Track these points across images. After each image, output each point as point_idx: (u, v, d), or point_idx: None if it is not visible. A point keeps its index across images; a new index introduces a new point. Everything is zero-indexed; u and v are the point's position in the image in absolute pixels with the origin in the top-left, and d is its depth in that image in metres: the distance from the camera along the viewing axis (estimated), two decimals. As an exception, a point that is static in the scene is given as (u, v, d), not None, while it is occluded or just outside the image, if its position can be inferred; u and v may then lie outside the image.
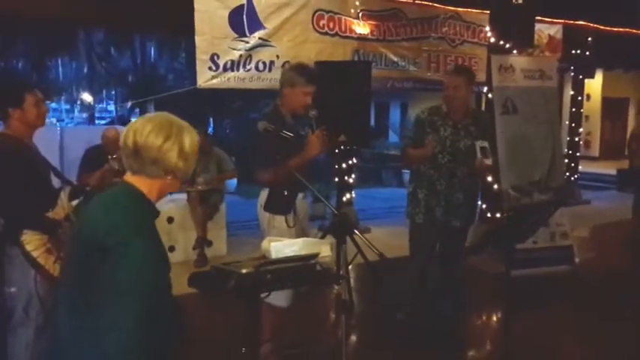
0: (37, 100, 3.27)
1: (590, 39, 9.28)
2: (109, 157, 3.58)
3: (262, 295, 2.76)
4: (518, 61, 6.29)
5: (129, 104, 15.21)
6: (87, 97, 14.87)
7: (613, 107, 16.99)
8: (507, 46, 6.40)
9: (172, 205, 6.81)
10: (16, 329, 3.19)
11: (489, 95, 6.33)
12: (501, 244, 3.38)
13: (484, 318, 5.45)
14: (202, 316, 4.85)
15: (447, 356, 4.29)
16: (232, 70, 6.91)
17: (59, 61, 14.54)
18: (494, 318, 5.30)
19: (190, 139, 1.91)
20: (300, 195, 3.61)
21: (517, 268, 5.67)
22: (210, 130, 15.29)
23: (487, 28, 7.12)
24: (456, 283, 4.54)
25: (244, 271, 2.59)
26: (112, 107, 15.43)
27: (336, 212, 2.96)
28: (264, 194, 3.64)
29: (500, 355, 4.13)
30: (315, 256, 2.87)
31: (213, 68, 6.80)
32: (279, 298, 3.22)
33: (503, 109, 6.10)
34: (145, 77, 15.08)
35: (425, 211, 4.32)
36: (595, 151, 16.19)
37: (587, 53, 9.27)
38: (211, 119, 16.58)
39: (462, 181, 4.26)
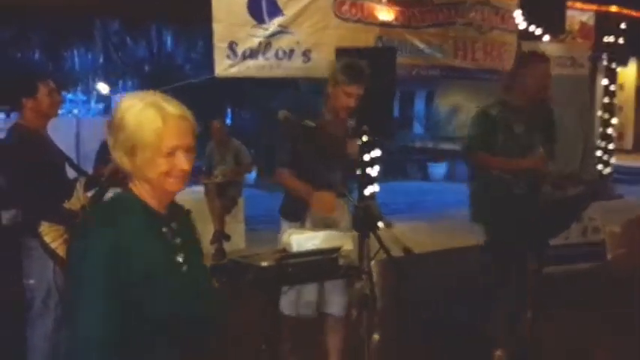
0: (50, 89, 3.27)
1: (623, 25, 8.90)
2: None
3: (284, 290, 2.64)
4: (548, 47, 6.01)
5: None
6: (103, 87, 14.77)
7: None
8: (538, 32, 6.08)
9: (189, 197, 6.63)
10: (35, 321, 3.21)
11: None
12: (535, 238, 3.16)
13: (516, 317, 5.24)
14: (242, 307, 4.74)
15: (471, 355, 4.11)
16: (251, 59, 6.68)
17: (75, 52, 14.43)
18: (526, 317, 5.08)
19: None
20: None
21: (548, 265, 5.47)
22: (228, 120, 15.11)
23: (518, 14, 6.82)
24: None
25: (264, 264, 2.49)
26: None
27: (357, 205, 2.76)
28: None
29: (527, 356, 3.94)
30: (337, 249, 2.69)
31: (232, 56, 6.58)
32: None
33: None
34: (162, 67, 14.95)
35: None
36: (628, 143, 15.60)
37: (621, 40, 8.90)
38: (229, 109, 16.39)
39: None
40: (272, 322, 2.63)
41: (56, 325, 3.16)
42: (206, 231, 6.48)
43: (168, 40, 15.21)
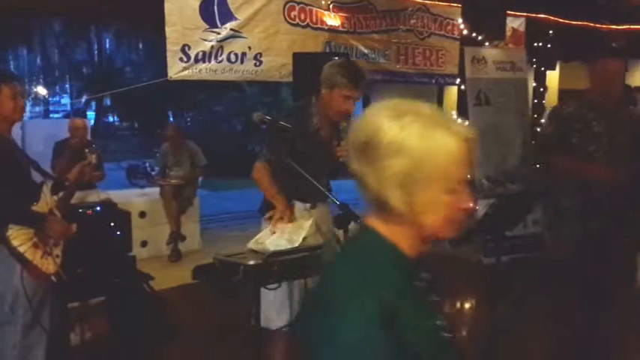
0: (15, 92, 3.14)
1: (551, 32, 9.50)
2: (86, 150, 3.49)
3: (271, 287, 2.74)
4: (489, 53, 6.41)
5: (84, 98, 14.78)
6: (41, 90, 14.36)
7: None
8: (479, 38, 6.49)
9: (144, 199, 6.68)
10: (2, 327, 3.09)
11: (462, 87, 6.41)
12: (492, 231, 3.41)
13: (468, 306, 5.58)
14: (207, 308, 4.80)
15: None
16: (204, 62, 6.77)
17: (11, 54, 13.97)
18: (478, 306, 5.41)
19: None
20: (300, 205, 3.20)
21: (490, 256, 5.85)
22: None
23: (459, 21, 7.22)
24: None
25: (252, 262, 2.56)
26: (66, 101, 14.93)
27: (338, 203, 2.91)
28: None
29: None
30: (321, 247, 2.87)
31: (185, 59, 6.66)
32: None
33: (476, 101, 6.23)
34: (102, 70, 14.70)
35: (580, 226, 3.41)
36: (552, 141, 16.65)
37: (549, 46, 9.50)
38: (170, 113, 16.27)
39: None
40: (257, 320, 2.69)
41: (24, 332, 3.08)
42: (161, 232, 6.55)
43: (108, 43, 14.99)
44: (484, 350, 2.94)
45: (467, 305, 5.56)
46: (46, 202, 3.20)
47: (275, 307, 3.09)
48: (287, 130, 3.00)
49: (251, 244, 2.77)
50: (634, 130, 3.39)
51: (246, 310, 2.61)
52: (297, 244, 2.77)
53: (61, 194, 3.37)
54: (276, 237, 2.83)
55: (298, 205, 3.22)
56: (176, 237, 6.42)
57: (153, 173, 9.76)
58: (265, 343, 3.27)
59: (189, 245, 6.75)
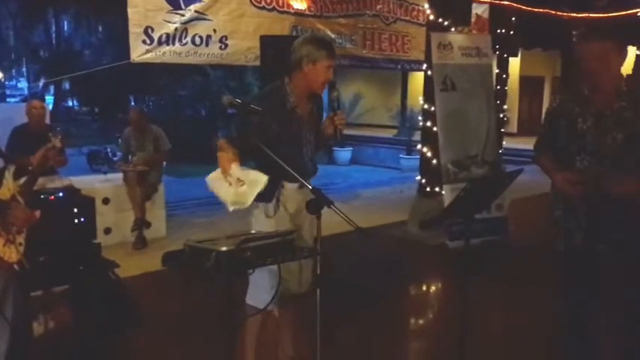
0: None
1: (513, 19, 9.62)
2: (50, 134, 3.37)
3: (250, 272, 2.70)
4: (456, 38, 6.44)
5: (42, 82, 14.36)
6: (-3, 73, 13.92)
7: (530, 86, 17.82)
8: (445, 23, 6.51)
9: (108, 185, 6.54)
10: None
11: (429, 72, 6.44)
12: (461, 215, 3.42)
13: (433, 288, 5.65)
14: (173, 296, 4.76)
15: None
16: (167, 44, 6.65)
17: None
18: (444, 289, 5.48)
19: None
20: (290, 185, 3.21)
21: (456, 240, 5.93)
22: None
23: (426, 6, 7.23)
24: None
25: (224, 248, 2.52)
26: (23, 85, 14.48)
27: (311, 187, 2.89)
28: None
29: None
30: (293, 232, 2.85)
31: (148, 42, 6.52)
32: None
33: (442, 86, 6.26)
34: (60, 53, 14.27)
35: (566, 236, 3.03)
36: (513, 127, 16.92)
37: (512, 32, 9.62)
38: (132, 97, 15.92)
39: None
40: (229, 307, 2.66)
41: None
42: (125, 219, 6.42)
43: (66, 26, 14.55)
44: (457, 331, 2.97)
45: (435, 288, 5.64)
46: (8, 187, 3.10)
47: (264, 288, 3.08)
48: (257, 113, 2.97)
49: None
50: (628, 130, 2.77)
51: (216, 297, 2.57)
52: (249, 200, 2.86)
53: (23, 180, 3.26)
54: (232, 188, 2.87)
55: (288, 186, 3.23)
56: (141, 224, 6.30)
57: (114, 159, 9.58)
58: (238, 329, 3.29)
59: (155, 232, 6.63)
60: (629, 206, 2.80)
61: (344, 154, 13.67)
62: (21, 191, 3.20)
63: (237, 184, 2.88)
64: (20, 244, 3.11)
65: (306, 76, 3.15)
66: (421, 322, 4.84)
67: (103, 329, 3.95)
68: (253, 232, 3.20)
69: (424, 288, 5.68)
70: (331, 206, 2.74)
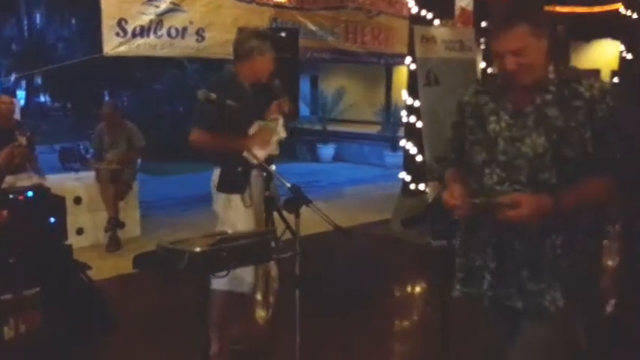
0: None
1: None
2: (17, 132, 3.22)
3: (222, 274, 2.57)
4: (439, 32, 6.30)
5: (13, 77, 13.98)
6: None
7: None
8: (429, 16, 6.37)
9: (79, 184, 6.29)
10: None
11: (412, 67, 6.29)
12: (443, 214, 3.31)
13: (416, 288, 5.53)
14: (148, 298, 4.60)
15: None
16: (142, 37, 6.43)
17: None
18: (427, 288, 5.36)
19: None
20: (254, 172, 3.36)
21: (438, 239, 5.80)
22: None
23: (408, -1, 7.08)
24: None
25: (198, 249, 2.41)
26: (-7, 79, 14.11)
27: (289, 186, 2.78)
28: (216, 174, 3.41)
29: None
30: (271, 232, 2.72)
31: (121, 34, 6.30)
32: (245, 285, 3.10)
33: (426, 81, 6.11)
34: (32, 46, 13.88)
35: (464, 277, 2.29)
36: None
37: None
38: (106, 92, 15.56)
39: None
40: (203, 306, 2.56)
41: None
42: (98, 219, 6.18)
43: (38, 18, 14.15)
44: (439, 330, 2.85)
45: (419, 288, 5.52)
46: None
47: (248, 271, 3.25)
48: (232, 108, 3.10)
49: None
50: (551, 133, 2.06)
51: (190, 298, 2.45)
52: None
53: None
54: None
55: (253, 173, 3.38)
56: (114, 224, 6.04)
57: (88, 156, 9.29)
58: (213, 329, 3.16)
59: (129, 233, 6.38)
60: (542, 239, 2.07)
61: (327, 150, 13.51)
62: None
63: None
64: (-15, 246, 2.92)
65: (254, 66, 3.39)
66: (403, 322, 4.73)
67: (75, 333, 3.79)
68: (230, 231, 3.16)
69: (407, 288, 5.55)
70: (310, 205, 2.69)
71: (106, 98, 14.23)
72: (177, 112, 12.29)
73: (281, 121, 3.42)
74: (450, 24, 6.77)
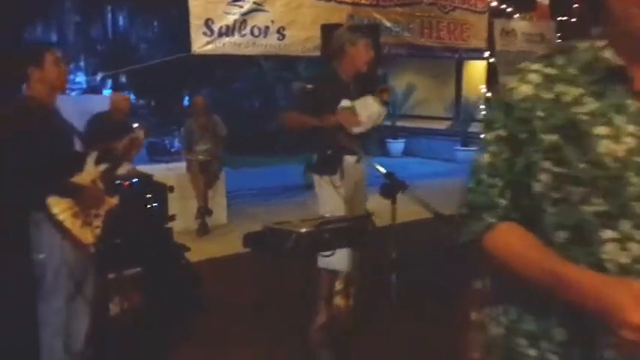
0: (57, 58, 3.10)
1: (576, 5, 9.35)
2: (135, 125, 3.50)
3: (326, 254, 2.74)
4: (519, 25, 6.32)
5: (99, 75, 14.69)
6: (56, 67, 14.26)
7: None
8: (509, 10, 6.38)
9: (171, 174, 6.67)
10: (46, 297, 3.10)
11: (491, 60, 6.32)
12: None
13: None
14: (238, 281, 4.88)
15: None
16: (227, 36, 6.77)
17: (26, 32, 13.85)
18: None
19: None
20: (351, 159, 3.52)
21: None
22: (186, 103, 14.85)
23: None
24: None
25: (304, 230, 2.56)
26: (80, 78, 14.86)
27: (385, 172, 2.91)
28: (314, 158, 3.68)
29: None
30: (370, 215, 2.88)
31: (208, 33, 6.65)
32: (340, 263, 3.21)
33: (506, 74, 6.13)
34: (116, 46, 14.59)
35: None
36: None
37: (574, 20, 9.36)
38: (187, 91, 16.06)
39: None
40: (308, 283, 2.72)
41: (67, 301, 3.09)
42: (188, 206, 6.54)
43: (122, 20, 14.89)
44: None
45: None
46: (89, 172, 3.18)
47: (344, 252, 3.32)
48: (323, 98, 3.37)
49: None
50: None
51: (280, 282, 2.63)
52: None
53: (104, 166, 3.34)
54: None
55: (348, 159, 3.54)
56: (204, 211, 6.42)
57: (172, 150, 9.78)
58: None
59: (216, 220, 6.74)
60: None
61: (397, 145, 13.57)
62: (102, 176, 3.28)
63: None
64: (97, 227, 3.18)
65: (349, 58, 3.51)
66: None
67: (174, 312, 4.03)
68: (321, 211, 3.44)
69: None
70: (406, 191, 2.78)
71: (186, 98, 14.78)
72: (255, 109, 12.65)
73: (376, 100, 3.55)
74: (529, 18, 6.76)
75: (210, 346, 3.85)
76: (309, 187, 7.77)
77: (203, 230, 6.35)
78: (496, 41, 6.09)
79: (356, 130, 3.40)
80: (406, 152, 13.53)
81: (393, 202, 2.93)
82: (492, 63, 6.26)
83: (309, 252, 2.69)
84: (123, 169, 5.53)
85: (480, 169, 1.24)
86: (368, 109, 3.50)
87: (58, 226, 2.97)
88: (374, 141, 8.03)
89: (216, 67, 12.48)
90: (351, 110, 3.43)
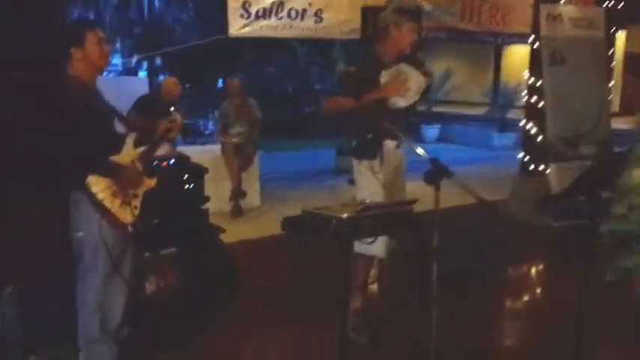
0: (99, 38, 3.08)
1: (622, -9, 9.02)
2: (173, 108, 3.47)
3: (368, 241, 2.68)
4: (566, 9, 6.09)
5: (135, 58, 14.79)
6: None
7: (636, 62, 16.52)
8: (554, -6, 6.17)
9: (206, 156, 6.66)
10: (84, 275, 3.10)
11: (535, 46, 6.13)
12: (587, 192, 3.22)
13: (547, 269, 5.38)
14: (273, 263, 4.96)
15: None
16: (264, 18, 6.71)
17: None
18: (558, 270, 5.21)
19: None
20: (391, 143, 3.51)
21: (560, 220, 5.64)
22: (219, 86, 14.85)
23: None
24: None
25: (345, 215, 2.49)
26: (117, 60, 14.97)
27: (429, 158, 2.82)
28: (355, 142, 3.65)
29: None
30: (412, 202, 2.80)
31: (245, 16, 6.60)
32: (377, 249, 3.15)
33: (551, 60, 5.94)
34: (152, 29, 14.65)
35: None
36: (616, 106, 15.80)
37: (619, 6, 9.02)
38: (219, 75, 16.07)
39: None
40: (346, 274, 2.63)
41: (105, 280, 3.11)
42: (222, 188, 6.54)
43: (157, 2, 14.94)
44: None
45: (551, 269, 5.37)
46: (128, 153, 3.17)
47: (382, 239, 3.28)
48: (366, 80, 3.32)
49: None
50: None
51: (313, 266, 2.58)
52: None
53: (143, 147, 3.32)
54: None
55: (388, 144, 3.52)
56: (237, 193, 6.41)
57: (206, 132, 9.80)
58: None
59: (250, 202, 6.74)
60: None
61: (431, 131, 13.40)
62: (140, 158, 3.27)
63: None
64: (135, 207, 3.18)
65: (392, 40, 3.46)
66: (536, 303, 4.66)
67: (208, 293, 4.03)
68: (359, 195, 3.41)
69: (539, 269, 5.44)
70: (452, 178, 2.71)
71: (220, 80, 14.81)
72: (288, 93, 12.60)
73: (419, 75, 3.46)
74: (574, 2, 6.52)
75: (243, 326, 3.87)
76: (341, 171, 7.78)
77: (237, 212, 6.35)
78: (542, 26, 5.87)
79: (401, 103, 3.34)
80: (441, 138, 13.35)
81: (437, 188, 2.84)
82: (536, 49, 6.05)
83: (350, 238, 2.62)
84: (162, 150, 5.58)
85: (632, 190, 0.92)
86: (414, 79, 3.44)
87: (98, 205, 2.97)
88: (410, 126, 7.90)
89: (250, 50, 12.46)
90: (400, 77, 3.38)
